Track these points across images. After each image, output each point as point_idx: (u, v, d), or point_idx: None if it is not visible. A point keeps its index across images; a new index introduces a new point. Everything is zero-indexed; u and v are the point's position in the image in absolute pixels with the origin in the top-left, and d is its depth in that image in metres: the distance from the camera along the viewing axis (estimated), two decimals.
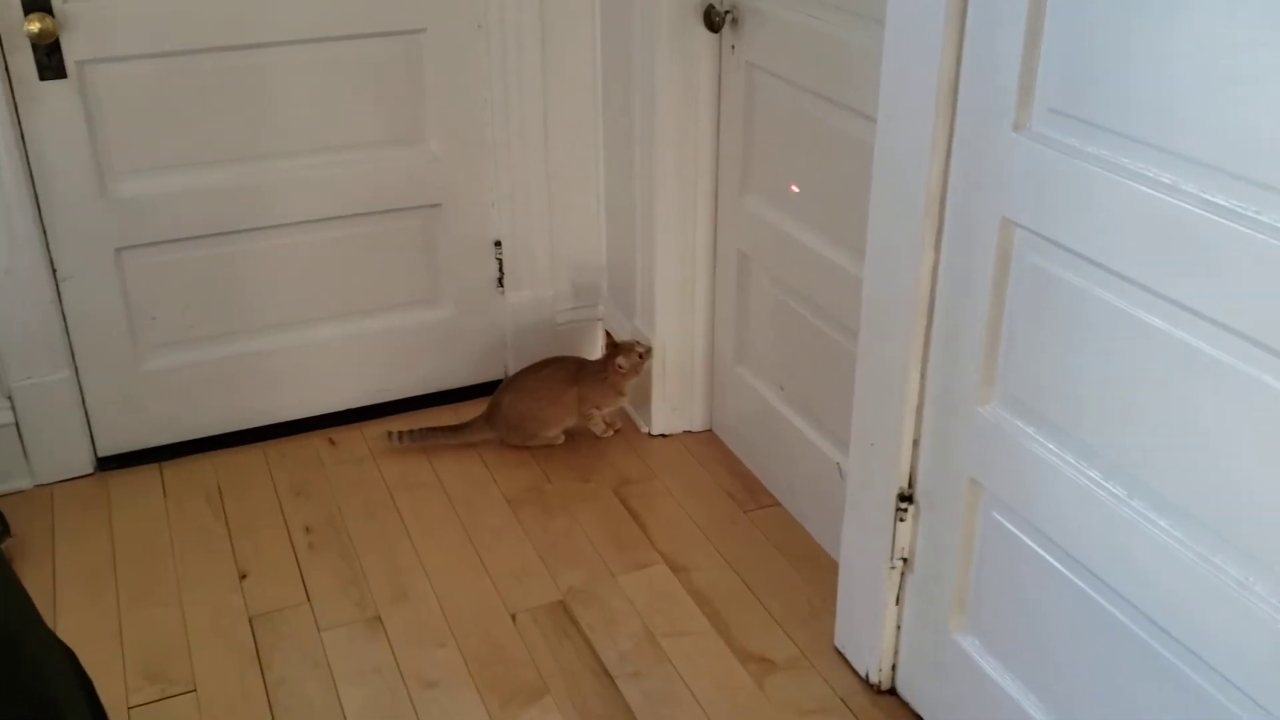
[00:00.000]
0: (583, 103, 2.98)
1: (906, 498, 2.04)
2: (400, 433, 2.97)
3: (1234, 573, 1.43)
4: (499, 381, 3.11)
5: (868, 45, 2.08)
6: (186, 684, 2.26)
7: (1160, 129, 1.41)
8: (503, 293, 3.11)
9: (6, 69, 2.48)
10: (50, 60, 2.50)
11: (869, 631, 2.20)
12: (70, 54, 2.51)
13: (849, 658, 2.29)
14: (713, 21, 2.54)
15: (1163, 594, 1.53)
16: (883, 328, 1.98)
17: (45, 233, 2.63)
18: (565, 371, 2.94)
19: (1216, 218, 1.34)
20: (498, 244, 3.06)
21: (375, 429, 3.03)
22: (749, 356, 2.80)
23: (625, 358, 2.85)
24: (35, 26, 2.44)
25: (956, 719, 2.06)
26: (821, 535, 2.60)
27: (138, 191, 2.68)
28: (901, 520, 2.05)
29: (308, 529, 2.68)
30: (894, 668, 2.21)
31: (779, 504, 2.76)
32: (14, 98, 2.51)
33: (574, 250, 3.14)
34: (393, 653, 2.33)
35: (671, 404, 3.00)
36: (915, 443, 2.00)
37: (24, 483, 2.81)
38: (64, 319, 2.72)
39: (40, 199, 2.60)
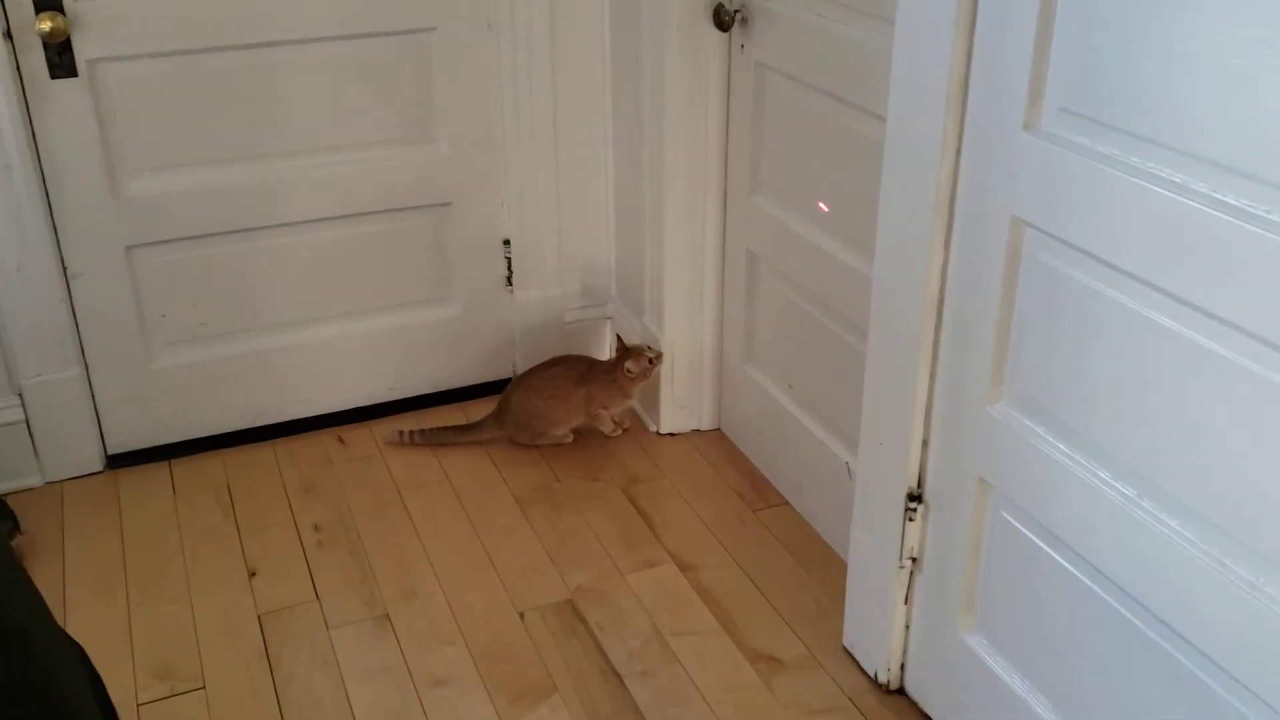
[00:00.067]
0: (592, 102, 2.98)
1: (915, 497, 2.04)
2: (410, 432, 2.97)
3: (1244, 574, 1.42)
4: (508, 380, 3.11)
5: (877, 44, 2.08)
6: (195, 681, 2.27)
7: (1171, 128, 1.41)
8: (511, 292, 3.12)
9: (18, 68, 2.49)
10: (61, 59, 2.51)
11: (878, 631, 2.20)
12: (81, 53, 2.52)
13: (857, 657, 2.29)
14: (722, 20, 2.53)
15: (1173, 594, 1.53)
16: (892, 327, 1.97)
17: (56, 231, 2.64)
18: (574, 371, 2.94)
19: (1227, 217, 1.34)
20: (506, 243, 3.06)
21: (384, 427, 3.04)
22: (758, 355, 2.80)
23: (635, 362, 2.85)
24: (46, 25, 2.44)
25: (965, 718, 2.05)
26: (830, 534, 2.60)
27: (148, 190, 2.69)
28: (910, 520, 2.05)
29: (317, 527, 2.69)
30: (902, 667, 2.20)
31: (787, 503, 2.76)
32: (25, 96, 2.52)
33: (583, 249, 3.14)
34: (401, 651, 2.33)
35: (680, 403, 3.00)
36: (924, 442, 2.00)
37: (34, 480, 2.81)
38: (74, 317, 2.73)
39: (51, 197, 2.61)
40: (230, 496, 2.80)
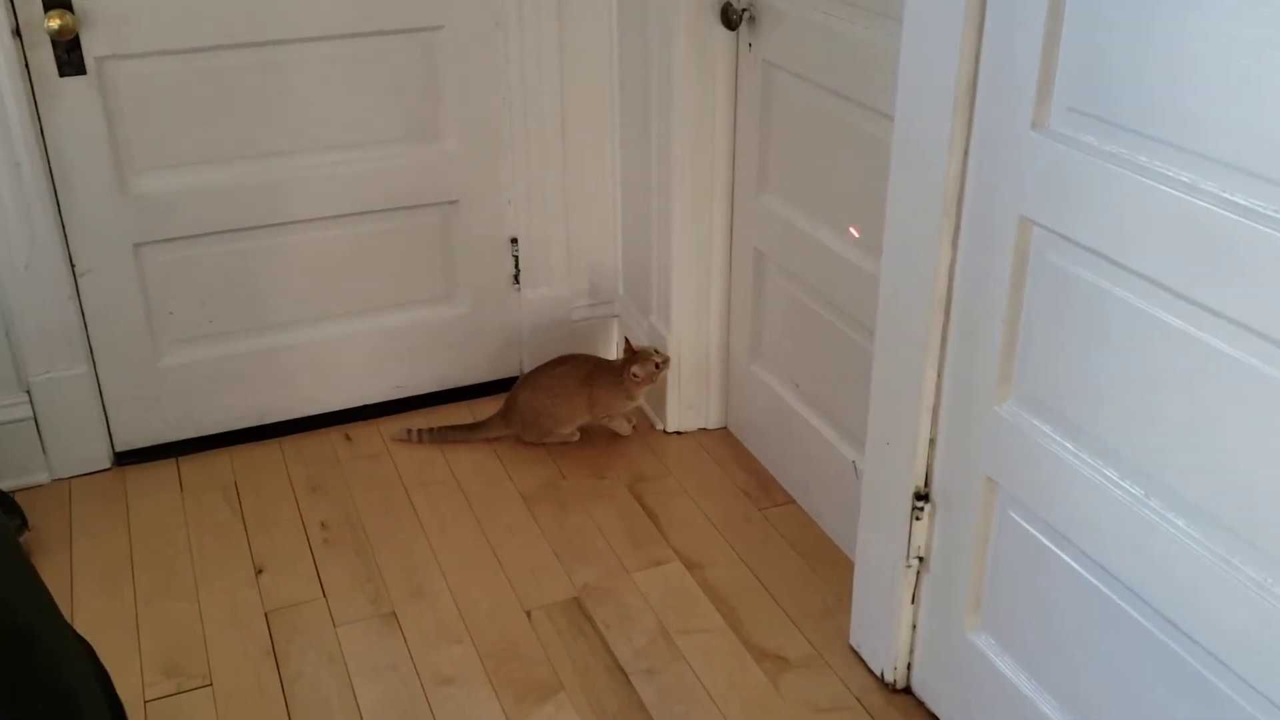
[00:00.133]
0: (599, 100, 2.98)
1: (923, 496, 2.04)
2: (418, 430, 2.97)
3: (1252, 574, 1.42)
4: (515, 379, 3.11)
5: (885, 43, 2.08)
6: (203, 678, 2.27)
7: (1178, 128, 1.41)
8: (519, 290, 3.12)
9: (27, 65, 2.49)
10: (70, 57, 2.51)
11: (884, 630, 2.20)
12: (90, 50, 2.52)
13: (864, 656, 2.29)
14: (730, 19, 2.53)
15: (1180, 594, 1.53)
16: (899, 326, 1.97)
17: (64, 228, 2.65)
18: (580, 370, 2.94)
19: (1236, 216, 1.34)
20: (514, 241, 3.06)
21: (391, 425, 3.04)
22: (764, 354, 2.80)
23: (641, 367, 2.84)
24: (55, 23, 2.45)
25: (972, 718, 2.05)
26: (837, 533, 2.60)
27: (156, 187, 2.69)
28: (917, 519, 2.05)
29: (324, 525, 2.69)
30: (909, 666, 2.20)
31: (794, 502, 2.76)
32: (34, 94, 2.52)
33: (590, 248, 3.14)
34: (408, 649, 2.33)
35: (687, 401, 3.00)
36: (931, 441, 1.99)
37: (42, 477, 2.82)
38: (82, 314, 2.73)
39: (59, 195, 2.62)
40: (237, 494, 2.80)
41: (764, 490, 2.81)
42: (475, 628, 2.39)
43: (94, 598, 2.47)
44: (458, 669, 2.28)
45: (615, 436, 2.98)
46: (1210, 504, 1.47)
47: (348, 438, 3.02)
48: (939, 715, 2.15)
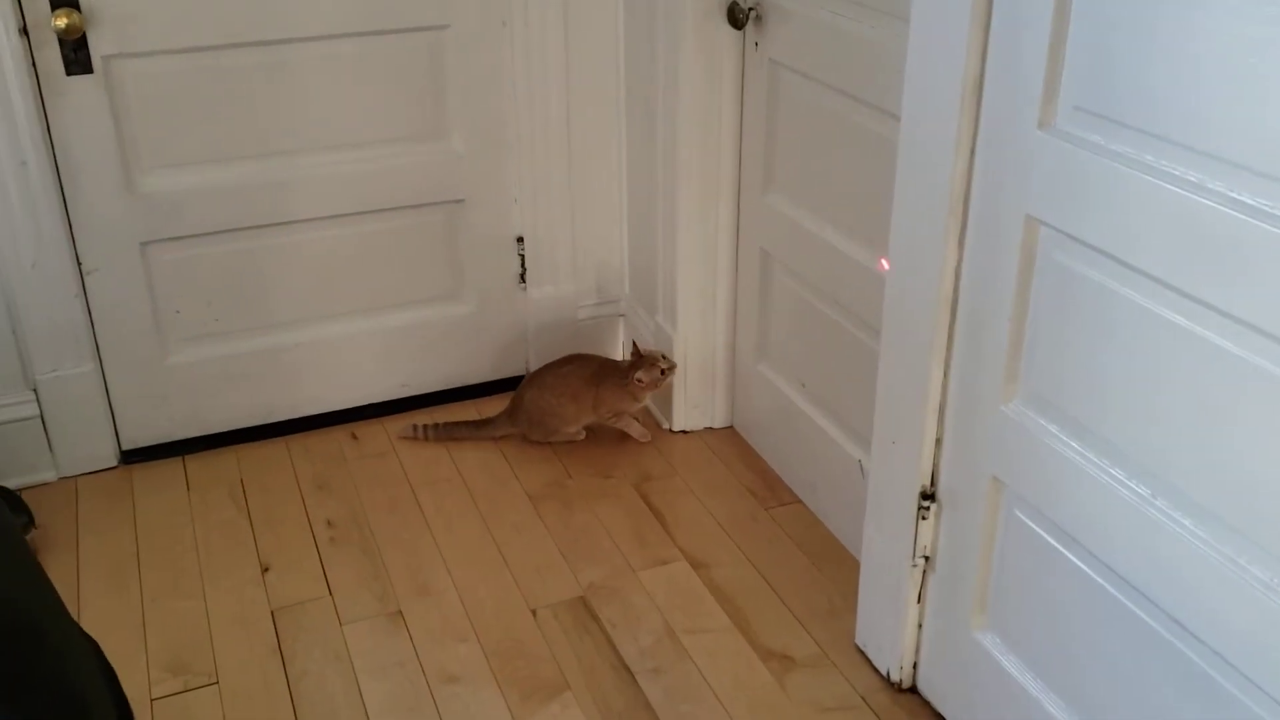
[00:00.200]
0: (605, 99, 2.98)
1: (929, 496, 2.04)
2: (424, 426, 2.98)
3: (1259, 574, 1.42)
4: (520, 377, 3.11)
5: (891, 42, 2.07)
6: (209, 676, 2.27)
7: (1185, 127, 1.41)
8: (525, 289, 3.12)
9: (34, 64, 2.50)
10: (77, 55, 2.51)
11: (890, 629, 2.20)
12: (97, 49, 2.53)
13: (870, 656, 2.29)
14: (736, 18, 2.53)
15: (1187, 594, 1.52)
16: (905, 325, 1.97)
17: (71, 227, 2.65)
18: (587, 370, 2.94)
19: (1243, 216, 1.34)
20: (520, 240, 3.06)
21: (397, 424, 3.04)
22: (770, 353, 2.80)
23: (646, 372, 2.84)
24: (62, 21, 2.45)
25: (977, 717, 2.05)
26: (843, 533, 2.60)
27: (163, 186, 2.70)
28: (923, 518, 2.05)
29: (330, 523, 2.69)
30: (915, 666, 2.20)
31: (800, 501, 2.76)
32: (41, 93, 2.52)
33: (596, 247, 3.14)
34: (414, 647, 2.33)
35: (693, 401, 3.00)
36: (938, 441, 1.99)
37: (49, 475, 2.83)
38: (89, 313, 2.74)
39: (66, 193, 2.62)
40: (244, 492, 2.80)
41: (770, 490, 2.80)
42: (481, 626, 2.39)
43: (100, 595, 2.48)
44: (463, 667, 2.29)
45: (622, 436, 2.97)
46: (1217, 504, 1.47)
47: (354, 436, 3.02)
48: (945, 714, 2.15)
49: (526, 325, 3.16)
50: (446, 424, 2.99)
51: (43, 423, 2.78)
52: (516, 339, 3.17)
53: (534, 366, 3.12)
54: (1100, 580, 1.69)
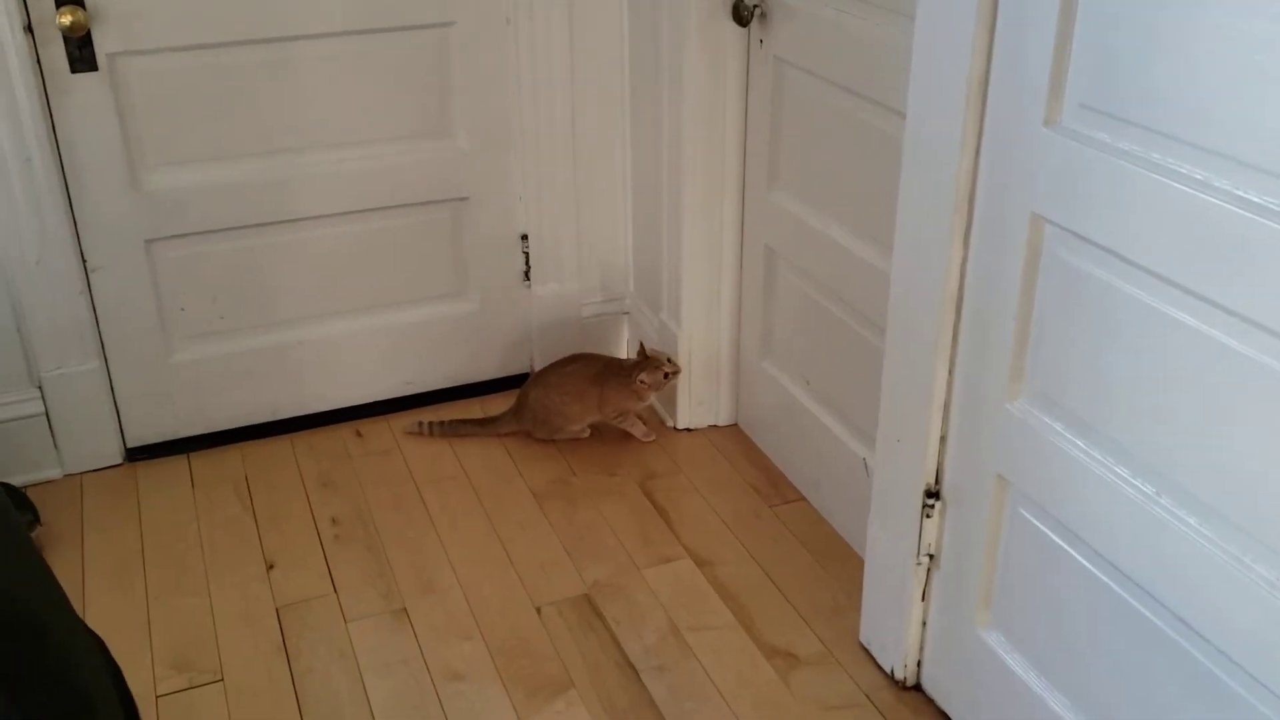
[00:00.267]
0: (610, 96, 2.98)
1: (933, 494, 2.04)
2: (429, 423, 2.98)
3: (1264, 572, 1.42)
4: (525, 375, 3.11)
5: (897, 40, 2.07)
6: (214, 673, 2.28)
7: (1190, 124, 1.41)
8: (529, 287, 3.12)
9: (39, 61, 2.50)
10: (81, 53, 2.52)
11: (894, 627, 2.20)
12: (101, 46, 2.53)
13: (874, 653, 2.28)
14: (741, 16, 2.53)
15: (1191, 592, 1.52)
16: (910, 323, 1.97)
17: (76, 224, 2.65)
18: (591, 369, 2.94)
19: (1249, 214, 1.34)
20: (524, 238, 3.06)
21: (402, 421, 3.04)
22: (775, 351, 2.80)
23: (650, 375, 2.84)
24: (67, 19, 2.45)
25: (982, 715, 2.05)
26: (847, 530, 2.60)
27: (168, 184, 2.70)
28: (928, 516, 2.05)
29: (334, 520, 2.69)
30: (919, 664, 2.20)
31: (804, 499, 2.75)
32: (46, 90, 2.53)
33: (601, 245, 3.14)
34: (418, 644, 2.34)
35: (697, 398, 3.00)
36: (942, 439, 1.99)
37: (54, 472, 2.83)
38: (94, 310, 2.74)
39: (71, 191, 2.62)
40: (248, 489, 2.81)
41: (774, 487, 2.80)
42: (486, 624, 2.39)
43: (105, 592, 2.48)
44: (468, 665, 2.29)
45: (626, 433, 2.97)
46: (1222, 502, 1.46)
47: (358, 434, 3.02)
48: (949, 712, 2.15)
49: (531, 323, 3.16)
50: (452, 421, 3.00)
51: (48, 420, 2.78)
52: (521, 337, 3.17)
53: (538, 365, 3.12)
54: (1105, 578, 1.69)
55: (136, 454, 2.91)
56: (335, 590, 2.48)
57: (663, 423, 3.06)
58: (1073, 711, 1.82)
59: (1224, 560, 1.46)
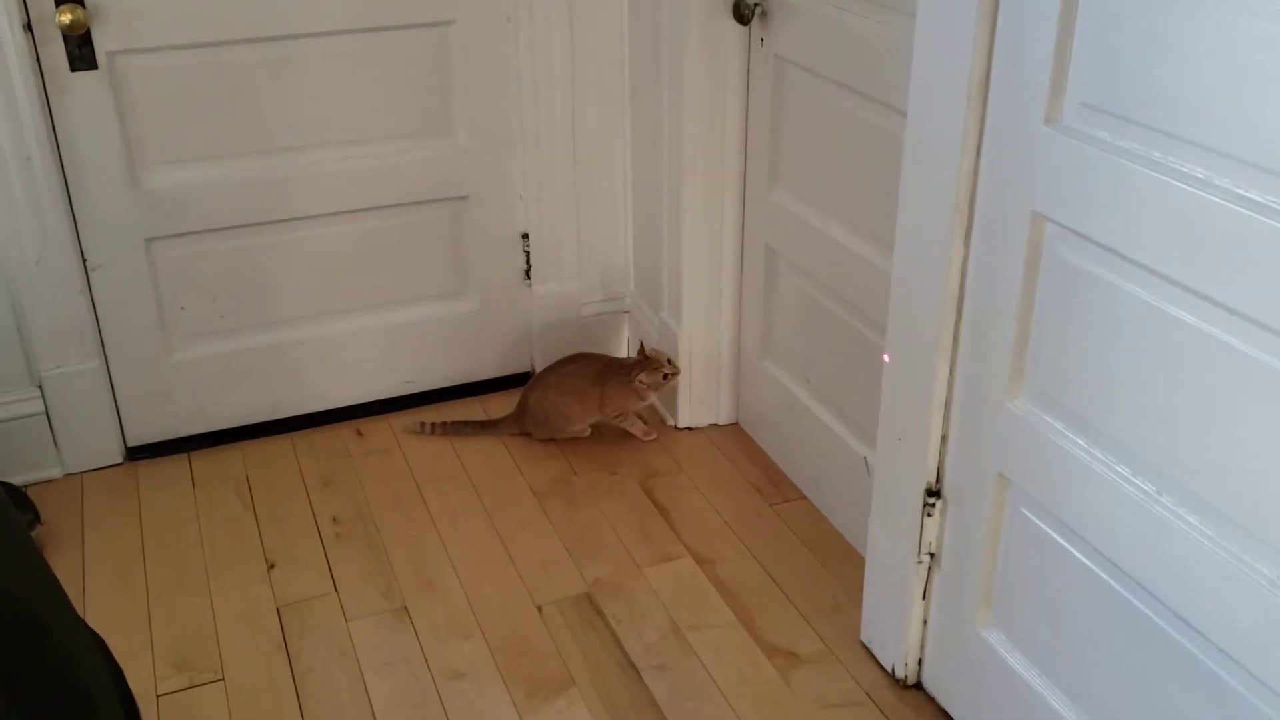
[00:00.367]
0: (610, 95, 2.98)
1: (934, 493, 2.04)
2: (431, 424, 2.98)
3: (1265, 571, 1.42)
4: (525, 374, 3.11)
5: (898, 38, 2.07)
6: (214, 672, 2.28)
7: (1192, 123, 1.40)
8: (529, 286, 3.12)
9: (38, 60, 2.50)
10: (81, 51, 2.51)
11: (895, 626, 2.19)
12: (101, 45, 2.53)
13: (875, 652, 2.28)
14: (741, 14, 2.53)
15: (1192, 591, 1.52)
16: (911, 323, 1.97)
17: (76, 223, 2.65)
18: (591, 369, 2.94)
19: (1249, 212, 1.33)
20: (525, 237, 3.06)
21: (402, 420, 3.04)
22: (775, 350, 2.80)
23: (649, 375, 2.84)
24: (67, 18, 2.45)
25: (982, 714, 2.05)
26: (848, 529, 2.60)
27: (168, 182, 2.70)
28: (929, 515, 2.05)
29: (335, 519, 2.69)
30: (920, 662, 2.20)
31: (805, 498, 2.75)
32: (45, 89, 2.53)
33: (601, 244, 3.14)
34: (419, 643, 2.34)
35: (698, 397, 3.00)
36: (943, 438, 1.99)
37: (54, 471, 2.83)
38: (94, 309, 2.74)
39: (71, 190, 2.62)
40: (249, 489, 2.81)
41: (775, 486, 2.80)
42: (486, 622, 2.39)
43: (106, 592, 2.48)
44: (469, 664, 2.29)
45: (627, 432, 2.97)
46: (1222, 501, 1.46)
47: (359, 433, 3.02)
48: (950, 711, 2.15)
49: (531, 322, 3.16)
50: (454, 423, 2.99)
51: (48, 419, 2.78)
52: (521, 336, 3.17)
53: (539, 364, 3.12)
54: (1105, 577, 1.69)
55: (137, 453, 2.91)
56: (336, 589, 2.48)
57: (663, 421, 3.06)
58: (1073, 710, 1.82)
59: (1224, 559, 1.46)
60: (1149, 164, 1.46)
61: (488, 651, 2.32)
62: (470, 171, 2.95)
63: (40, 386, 2.75)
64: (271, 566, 2.55)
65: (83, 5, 2.47)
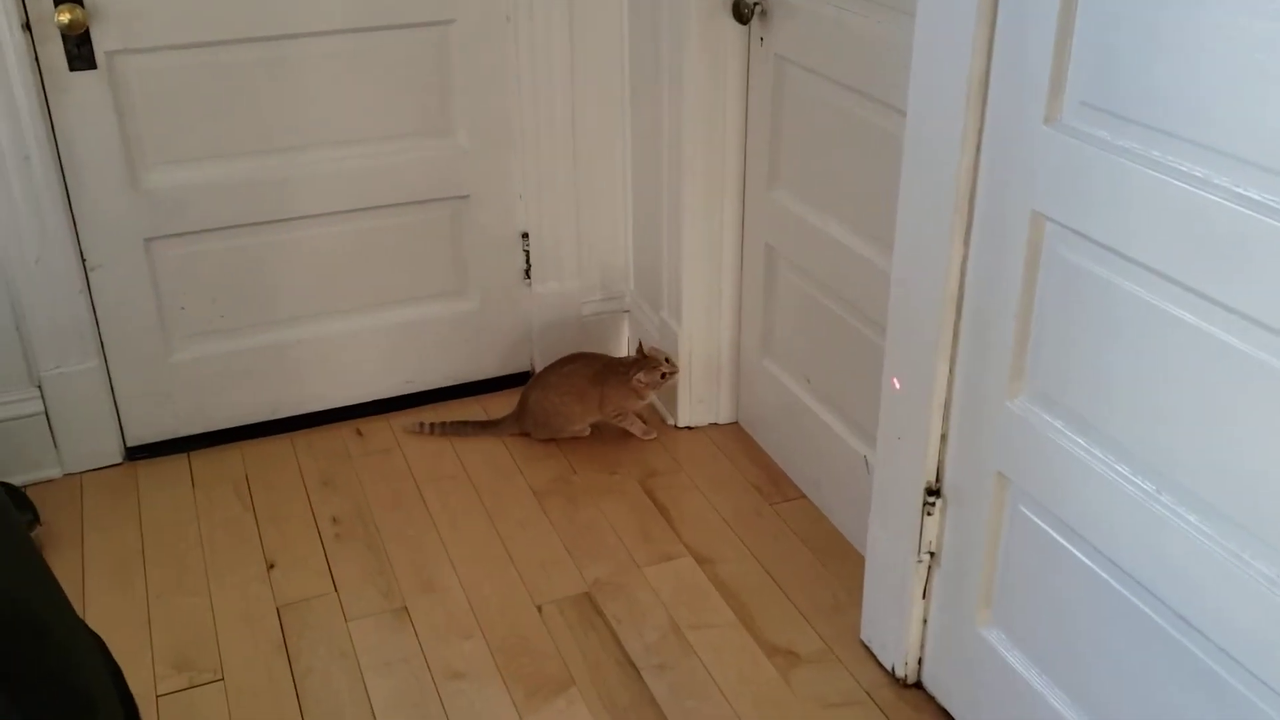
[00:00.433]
0: (610, 95, 2.98)
1: (934, 492, 2.04)
2: (431, 424, 2.98)
3: (1264, 569, 1.42)
4: (525, 374, 3.11)
5: (897, 38, 2.07)
6: (214, 673, 2.28)
7: (1191, 122, 1.40)
8: (529, 285, 3.12)
9: (37, 60, 2.50)
10: (80, 51, 2.51)
11: (895, 625, 2.19)
12: (100, 45, 2.52)
13: (875, 651, 2.28)
14: (741, 13, 2.53)
15: (1191, 590, 1.52)
16: (911, 322, 1.97)
17: (75, 223, 2.65)
18: (590, 368, 2.94)
19: (1249, 211, 1.33)
20: (525, 236, 3.06)
21: (402, 420, 3.04)
22: (775, 349, 2.80)
23: (647, 374, 2.84)
24: (65, 17, 2.45)
25: (982, 713, 2.05)
26: (847, 528, 2.60)
27: (167, 182, 2.70)
28: (929, 514, 2.05)
29: (335, 519, 2.69)
30: (920, 661, 2.20)
31: (805, 497, 2.75)
32: (44, 89, 2.52)
33: (601, 243, 3.14)
34: (419, 643, 2.34)
35: (698, 396, 3.00)
36: (943, 437, 1.99)
37: (53, 471, 2.83)
38: (93, 309, 2.74)
39: (70, 189, 2.62)
40: (249, 489, 2.81)
41: (775, 485, 2.80)
42: (486, 622, 2.39)
43: (105, 592, 2.48)
44: (469, 664, 2.29)
45: (627, 431, 2.97)
46: (1222, 500, 1.46)
47: (359, 432, 3.02)
48: (950, 710, 2.15)
49: (531, 322, 3.16)
50: (454, 423, 2.99)
51: (47, 419, 2.78)
52: (521, 335, 3.17)
53: (539, 363, 3.12)
54: (1105, 576, 1.69)
55: (136, 453, 2.91)
56: (336, 589, 2.48)
57: (663, 421, 3.06)
58: (1073, 709, 1.82)
59: (1224, 558, 1.46)
60: (1148, 163, 1.46)
61: (488, 651, 2.32)
62: (470, 171, 2.95)
63: (40, 386, 2.75)
64: (271, 566, 2.55)
65: (81, 5, 2.47)
